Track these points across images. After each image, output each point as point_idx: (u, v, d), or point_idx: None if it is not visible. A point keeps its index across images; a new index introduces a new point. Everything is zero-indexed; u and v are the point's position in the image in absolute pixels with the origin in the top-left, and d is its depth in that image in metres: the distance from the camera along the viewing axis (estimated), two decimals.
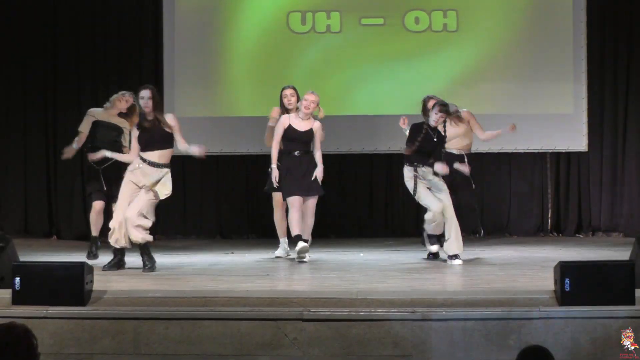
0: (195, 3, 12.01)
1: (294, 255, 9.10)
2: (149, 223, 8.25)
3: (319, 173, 9.03)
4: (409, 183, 8.80)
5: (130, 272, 8.36)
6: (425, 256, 9.25)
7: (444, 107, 8.72)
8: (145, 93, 8.28)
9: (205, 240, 11.58)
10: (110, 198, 9.12)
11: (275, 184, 8.99)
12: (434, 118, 8.70)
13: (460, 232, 8.79)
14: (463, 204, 9.42)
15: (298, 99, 9.30)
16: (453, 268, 8.56)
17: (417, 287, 7.19)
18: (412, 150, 8.69)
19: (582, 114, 11.68)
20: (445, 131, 8.88)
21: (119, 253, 8.46)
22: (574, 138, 11.71)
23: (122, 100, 9.19)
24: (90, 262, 8.46)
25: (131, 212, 8.17)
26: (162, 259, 9.49)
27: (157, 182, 8.23)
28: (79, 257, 8.74)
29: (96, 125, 9.15)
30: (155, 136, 8.27)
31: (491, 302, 6.49)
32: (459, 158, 9.48)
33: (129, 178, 8.30)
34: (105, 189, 9.07)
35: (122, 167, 8.91)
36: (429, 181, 8.77)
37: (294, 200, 8.92)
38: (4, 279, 6.90)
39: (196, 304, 6.58)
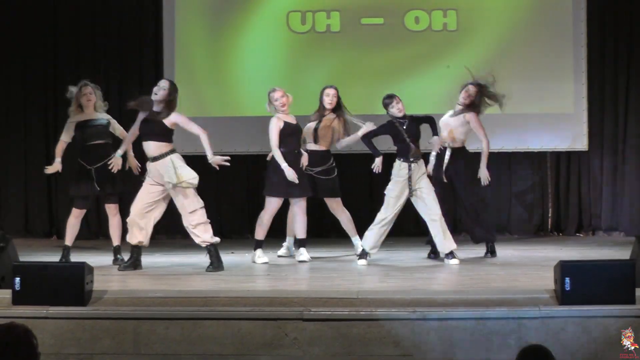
0: (195, 3, 12.01)
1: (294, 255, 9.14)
2: (205, 219, 8.35)
3: (305, 159, 9.09)
4: (401, 184, 8.79)
5: (131, 272, 8.36)
6: (426, 255, 9.27)
7: (389, 99, 8.95)
8: (163, 83, 8.50)
9: None
10: (102, 198, 9.10)
11: (295, 180, 8.95)
12: (396, 109, 8.87)
13: (448, 230, 8.81)
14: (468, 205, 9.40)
15: (339, 99, 9.47)
16: (453, 267, 8.57)
17: (418, 287, 7.20)
18: (414, 150, 8.78)
19: (582, 113, 11.68)
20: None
21: (136, 252, 8.48)
22: (574, 137, 11.71)
23: (86, 95, 9.05)
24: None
25: (186, 220, 8.34)
26: (162, 258, 9.50)
27: (169, 178, 8.26)
28: (80, 257, 8.74)
29: (82, 126, 9.03)
30: (155, 128, 8.33)
31: (491, 301, 6.49)
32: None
33: (148, 178, 8.44)
34: (98, 189, 8.97)
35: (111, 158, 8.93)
36: (420, 180, 8.78)
37: (275, 202, 9.01)
38: (4, 279, 6.90)
39: (196, 304, 6.58)
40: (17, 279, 6.56)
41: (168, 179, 8.24)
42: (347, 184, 11.44)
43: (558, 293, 6.46)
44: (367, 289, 7.06)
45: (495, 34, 11.76)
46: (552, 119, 11.68)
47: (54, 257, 9.05)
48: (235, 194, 12.04)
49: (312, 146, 9.39)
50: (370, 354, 6.24)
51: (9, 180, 12.26)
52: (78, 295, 6.53)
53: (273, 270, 8.58)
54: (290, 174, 8.88)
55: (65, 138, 9.09)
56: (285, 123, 9.04)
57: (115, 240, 9.12)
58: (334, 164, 9.51)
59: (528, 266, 8.52)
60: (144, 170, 8.72)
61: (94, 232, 12.02)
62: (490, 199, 11.74)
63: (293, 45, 11.86)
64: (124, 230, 8.95)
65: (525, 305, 6.40)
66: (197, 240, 8.36)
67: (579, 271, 6.45)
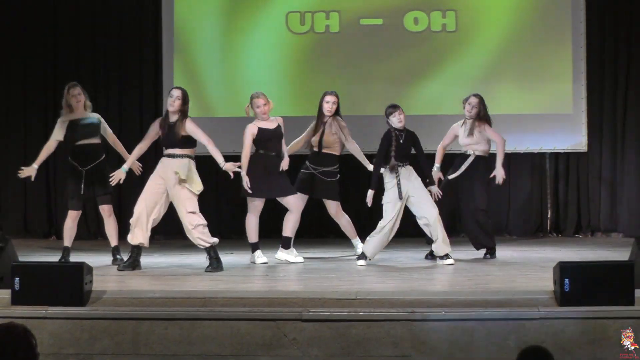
0: (194, 3, 12.01)
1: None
2: (203, 221, 8.40)
3: (285, 163, 9.10)
4: (393, 189, 8.80)
5: (130, 273, 8.36)
6: (424, 257, 9.28)
7: (393, 108, 8.89)
8: (175, 92, 8.53)
9: None
10: (91, 200, 9.10)
11: (247, 189, 9.03)
12: (397, 119, 8.83)
13: (445, 233, 8.82)
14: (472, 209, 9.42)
15: (338, 106, 9.46)
16: (448, 268, 8.57)
17: (417, 288, 7.20)
18: (392, 162, 8.80)
19: (581, 114, 11.68)
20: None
21: (135, 252, 8.49)
22: (574, 138, 11.71)
23: (75, 96, 9.06)
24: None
25: (185, 219, 8.35)
26: (161, 259, 9.51)
27: (180, 171, 8.31)
28: (79, 257, 8.74)
29: (73, 126, 9.04)
30: (176, 136, 8.44)
31: (490, 302, 6.49)
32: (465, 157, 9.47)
33: (154, 175, 8.49)
34: (82, 192, 8.98)
35: (107, 168, 8.93)
36: (412, 184, 8.79)
37: (257, 204, 9.11)
38: (3, 279, 6.90)
39: (195, 304, 6.58)
40: (17, 279, 6.56)
41: (179, 169, 8.31)
42: (346, 184, 11.46)
43: (557, 294, 6.46)
44: (366, 290, 7.06)
45: (494, 34, 11.76)
46: (551, 119, 11.68)
47: (53, 258, 9.05)
48: (234, 194, 12.01)
49: (316, 148, 9.44)
50: (369, 354, 6.24)
51: (8, 181, 12.24)
52: (77, 295, 6.53)
53: (272, 270, 8.58)
54: (245, 182, 9.00)
55: (57, 137, 9.10)
56: (260, 129, 9.09)
57: (113, 241, 9.13)
58: (338, 169, 9.54)
59: (527, 267, 8.53)
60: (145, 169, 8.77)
61: (93, 233, 12.02)
62: (489, 200, 11.74)
63: (292, 46, 11.86)
64: (123, 230, 8.95)
65: (524, 306, 6.40)
66: (196, 242, 8.36)
67: (578, 272, 6.45)
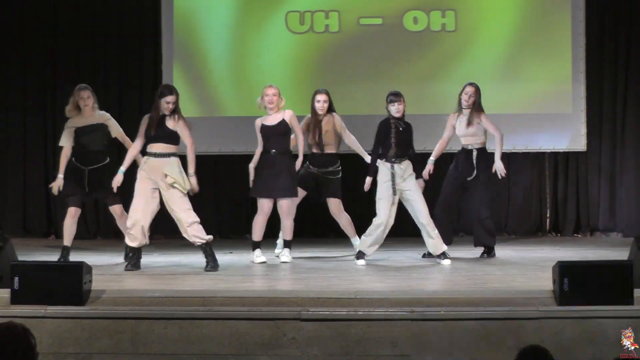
0: (193, 3, 12.01)
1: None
2: (197, 219, 8.38)
3: (298, 164, 9.07)
4: (386, 184, 8.80)
5: (129, 272, 8.36)
6: (421, 255, 9.28)
7: (394, 97, 8.89)
8: (171, 99, 8.43)
9: None
10: (91, 200, 9.08)
11: (250, 182, 9.04)
12: (395, 109, 8.84)
13: (437, 231, 8.84)
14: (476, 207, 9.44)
15: (330, 103, 9.48)
16: (446, 267, 8.58)
17: (416, 287, 7.20)
18: (392, 151, 8.80)
19: (580, 113, 11.68)
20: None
21: (137, 252, 8.50)
22: (573, 138, 11.71)
23: (83, 99, 9.05)
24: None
25: (181, 217, 8.32)
26: (160, 258, 9.51)
27: (170, 174, 8.29)
28: (78, 256, 8.74)
29: (80, 132, 9.03)
30: (164, 131, 8.40)
31: (490, 301, 6.50)
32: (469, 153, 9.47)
33: (142, 175, 8.43)
34: (87, 191, 9.00)
35: (109, 168, 8.93)
36: (406, 183, 8.79)
37: (263, 203, 9.02)
38: (2, 278, 6.91)
39: (195, 304, 6.58)
40: (16, 279, 6.57)
41: (169, 172, 8.28)
42: (346, 184, 11.47)
43: (556, 293, 6.46)
44: (365, 289, 7.06)
45: (493, 34, 11.76)
46: (551, 119, 11.69)
47: (53, 257, 9.05)
48: (233, 194, 12.03)
49: (316, 149, 9.44)
50: (368, 354, 6.24)
51: (7, 180, 12.25)
52: (76, 294, 6.54)
53: (271, 270, 8.58)
54: (251, 174, 9.01)
55: (66, 144, 9.08)
56: (262, 125, 9.06)
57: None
58: (339, 167, 9.55)
59: (526, 266, 8.53)
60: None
61: (92, 232, 12.02)
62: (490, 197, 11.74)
63: (292, 45, 11.86)
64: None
65: (523, 306, 6.41)
66: (191, 239, 8.34)
67: (578, 272, 6.46)
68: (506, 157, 11.91)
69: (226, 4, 11.99)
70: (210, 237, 8.46)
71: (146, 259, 8.98)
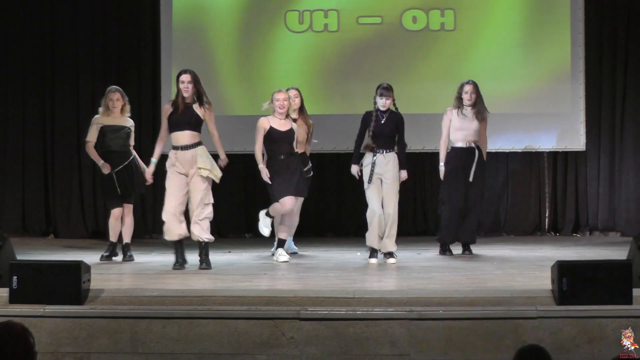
0: (192, 2, 12.01)
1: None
2: (212, 216, 8.39)
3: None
4: (366, 169, 8.88)
5: (128, 271, 8.36)
6: (438, 252, 9.49)
7: (384, 91, 8.94)
8: (185, 77, 8.46)
9: None
10: (126, 198, 9.21)
11: (267, 180, 8.98)
12: (381, 102, 8.90)
13: (396, 230, 8.92)
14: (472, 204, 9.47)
15: (302, 100, 9.53)
16: (448, 266, 8.59)
17: (415, 287, 7.19)
18: (369, 142, 8.86)
19: (579, 113, 11.69)
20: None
21: (179, 248, 8.51)
22: (572, 137, 11.72)
23: (112, 100, 9.28)
24: (103, 262, 8.92)
25: (197, 209, 8.31)
26: (159, 257, 9.50)
27: (203, 165, 8.31)
28: (77, 255, 8.74)
29: (105, 131, 9.25)
30: (187, 117, 8.39)
31: (488, 301, 6.49)
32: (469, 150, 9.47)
33: (173, 170, 8.41)
34: (120, 193, 9.20)
35: (134, 167, 9.04)
36: (386, 174, 8.84)
37: (288, 201, 8.92)
38: (1, 277, 6.90)
39: (193, 303, 6.57)
40: (14, 278, 6.56)
41: (202, 165, 8.30)
42: (345, 183, 11.47)
43: (555, 293, 6.46)
44: (363, 289, 7.06)
45: (492, 33, 11.77)
46: (550, 118, 11.69)
47: (51, 256, 9.06)
48: (232, 193, 12.03)
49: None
50: (367, 353, 6.24)
51: (6, 180, 12.25)
52: (75, 294, 6.53)
53: (270, 269, 8.58)
54: (263, 173, 8.94)
55: (91, 139, 9.29)
56: (271, 128, 8.99)
57: (127, 238, 9.30)
58: (310, 166, 9.69)
59: (525, 266, 8.52)
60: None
61: (91, 232, 12.02)
62: (487, 199, 11.76)
63: (291, 44, 11.86)
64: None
65: (522, 305, 6.40)
66: (196, 232, 8.32)
67: (576, 271, 6.45)
68: (505, 157, 11.95)
69: (225, 3, 11.98)
70: (212, 238, 8.44)
71: (145, 258, 8.98)
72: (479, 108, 9.41)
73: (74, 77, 12.18)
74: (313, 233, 11.58)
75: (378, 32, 11.80)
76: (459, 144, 9.43)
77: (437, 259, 9.30)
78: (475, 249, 9.57)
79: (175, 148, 8.41)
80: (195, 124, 8.42)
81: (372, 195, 8.89)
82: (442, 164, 9.48)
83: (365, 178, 8.91)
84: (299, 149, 9.35)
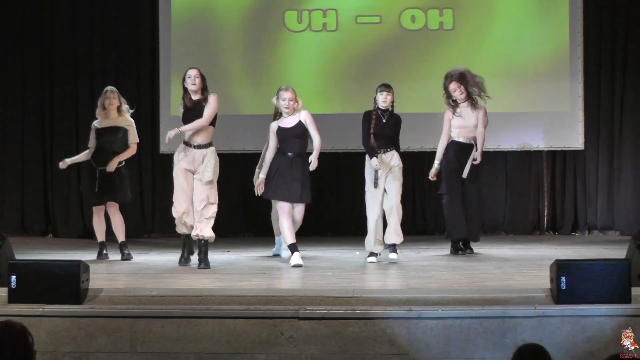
0: (190, 2, 12.01)
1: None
2: (213, 216, 8.40)
3: (314, 162, 8.96)
4: (370, 178, 8.87)
5: (127, 271, 8.36)
6: (456, 252, 9.47)
7: (385, 87, 8.94)
8: (192, 72, 8.48)
9: None
10: (107, 197, 9.15)
11: (256, 191, 8.94)
12: (382, 99, 8.88)
13: (400, 224, 8.86)
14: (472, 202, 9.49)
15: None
16: (447, 266, 8.59)
17: (413, 286, 7.20)
18: (371, 142, 8.83)
19: (578, 112, 11.70)
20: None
21: (188, 242, 8.56)
22: (570, 136, 11.73)
23: (108, 99, 9.26)
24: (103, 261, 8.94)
25: (203, 208, 8.34)
26: (158, 257, 9.51)
27: (208, 169, 8.34)
28: (75, 255, 8.74)
29: (101, 133, 9.24)
30: (200, 114, 8.39)
31: (487, 300, 6.49)
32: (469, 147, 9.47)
33: (180, 167, 8.43)
34: (96, 190, 9.13)
35: (124, 172, 9.01)
36: (390, 174, 8.81)
37: (284, 206, 8.84)
38: (0, 277, 6.90)
39: (192, 302, 6.57)
40: (13, 277, 6.56)
41: (207, 168, 8.34)
42: (344, 182, 11.48)
43: (554, 292, 6.46)
44: (362, 288, 7.06)
45: (491, 32, 11.77)
46: (548, 117, 11.70)
47: (50, 256, 9.06)
48: (231, 192, 12.02)
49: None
50: (366, 352, 6.24)
51: (5, 179, 12.25)
52: (74, 293, 6.53)
53: (268, 269, 8.58)
54: (258, 181, 8.91)
55: (90, 145, 9.34)
56: (279, 128, 8.93)
57: (120, 237, 9.26)
58: None
59: (524, 265, 8.52)
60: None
61: (90, 232, 12.01)
62: (486, 198, 11.76)
63: (289, 43, 11.86)
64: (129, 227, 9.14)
65: (521, 304, 6.40)
66: (197, 230, 8.33)
67: (575, 270, 6.45)
68: (504, 156, 11.96)
69: (224, 2, 11.98)
70: (214, 236, 8.44)
71: (144, 258, 8.98)
72: (473, 97, 9.42)
73: (74, 77, 12.18)
74: (312, 232, 11.57)
75: (377, 32, 11.80)
76: (460, 139, 9.45)
77: (436, 258, 9.29)
78: (474, 248, 9.57)
79: (187, 144, 8.44)
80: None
81: (372, 199, 8.85)
82: (436, 162, 9.48)
83: (369, 179, 8.86)
84: None
